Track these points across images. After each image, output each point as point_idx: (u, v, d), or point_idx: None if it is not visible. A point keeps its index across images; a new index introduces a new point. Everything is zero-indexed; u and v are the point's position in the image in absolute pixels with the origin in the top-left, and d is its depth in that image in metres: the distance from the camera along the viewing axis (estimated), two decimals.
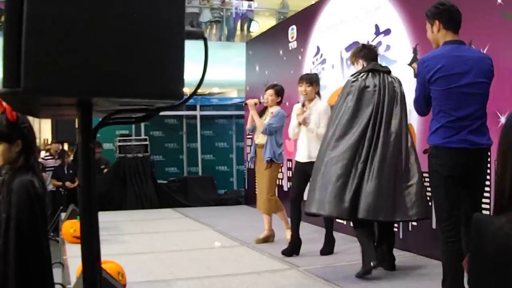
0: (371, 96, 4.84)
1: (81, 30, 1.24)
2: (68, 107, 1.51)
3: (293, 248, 5.85)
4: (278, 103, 6.57)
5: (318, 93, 6.00)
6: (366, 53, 5.12)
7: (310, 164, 5.48)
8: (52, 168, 10.54)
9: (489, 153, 3.83)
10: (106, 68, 1.26)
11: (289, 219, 6.24)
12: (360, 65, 5.08)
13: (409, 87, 5.05)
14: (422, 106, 3.86)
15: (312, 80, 5.93)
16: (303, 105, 5.81)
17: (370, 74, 4.91)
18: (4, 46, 1.23)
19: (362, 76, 4.92)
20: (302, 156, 5.90)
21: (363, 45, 5.33)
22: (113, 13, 1.27)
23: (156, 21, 1.31)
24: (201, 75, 1.44)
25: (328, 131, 5.02)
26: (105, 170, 10.99)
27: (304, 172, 5.75)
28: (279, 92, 6.56)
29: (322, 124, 5.72)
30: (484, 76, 3.65)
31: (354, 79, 4.95)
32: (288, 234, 6.23)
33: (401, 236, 5.92)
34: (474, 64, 3.63)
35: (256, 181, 6.69)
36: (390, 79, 4.93)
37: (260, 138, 6.52)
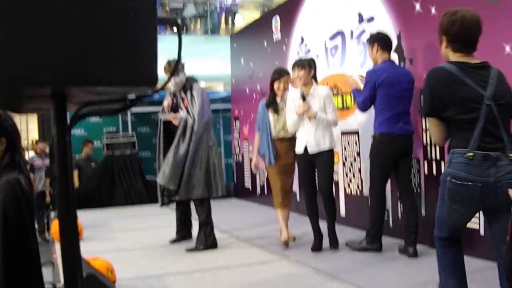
0: None
1: (50, 18, 1.21)
2: (46, 100, 1.48)
3: (320, 242, 5.57)
4: None
5: (314, 78, 5.65)
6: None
7: (318, 155, 5.43)
8: (44, 168, 10.49)
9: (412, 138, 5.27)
10: (78, 56, 1.24)
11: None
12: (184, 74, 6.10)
13: None
14: (368, 105, 5.23)
15: (304, 64, 5.55)
16: (304, 98, 5.40)
17: None
18: None
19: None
20: (310, 145, 5.46)
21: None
22: (82, 0, 1.24)
23: (127, 7, 1.28)
24: (175, 61, 1.42)
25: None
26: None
27: (311, 163, 5.55)
28: None
29: (330, 109, 5.48)
30: (410, 84, 5.13)
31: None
32: (284, 233, 5.80)
33: (391, 225, 5.93)
34: (404, 77, 5.14)
35: (273, 178, 5.94)
36: None
37: (284, 132, 5.83)
